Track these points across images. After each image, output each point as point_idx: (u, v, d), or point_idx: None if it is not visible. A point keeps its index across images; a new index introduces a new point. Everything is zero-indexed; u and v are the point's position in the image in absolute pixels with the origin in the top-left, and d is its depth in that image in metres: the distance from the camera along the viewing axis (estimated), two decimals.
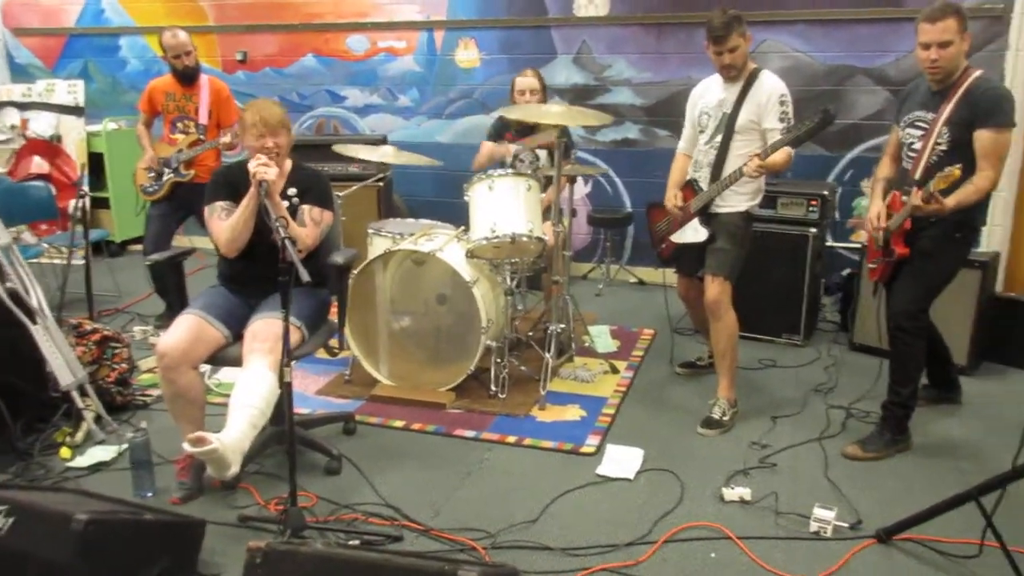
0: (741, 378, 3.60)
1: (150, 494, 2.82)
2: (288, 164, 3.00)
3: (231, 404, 2.58)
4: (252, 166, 2.69)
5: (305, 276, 2.31)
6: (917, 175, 2.93)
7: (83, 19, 6.51)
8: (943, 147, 2.89)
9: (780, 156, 3.08)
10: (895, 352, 3.09)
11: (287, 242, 2.35)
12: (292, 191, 2.94)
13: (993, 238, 4.55)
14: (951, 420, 3.43)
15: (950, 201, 2.75)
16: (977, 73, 2.86)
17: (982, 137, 2.81)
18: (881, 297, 3.32)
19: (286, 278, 2.35)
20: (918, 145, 2.97)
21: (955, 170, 2.66)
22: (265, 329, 2.69)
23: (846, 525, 2.62)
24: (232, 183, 2.92)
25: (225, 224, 2.85)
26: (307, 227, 2.89)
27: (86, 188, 4.41)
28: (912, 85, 3.14)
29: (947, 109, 2.87)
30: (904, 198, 2.95)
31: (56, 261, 5.10)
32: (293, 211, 2.90)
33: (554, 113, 3.56)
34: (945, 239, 2.96)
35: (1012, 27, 4.44)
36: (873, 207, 3.09)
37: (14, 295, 3.12)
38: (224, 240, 2.86)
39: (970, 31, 2.86)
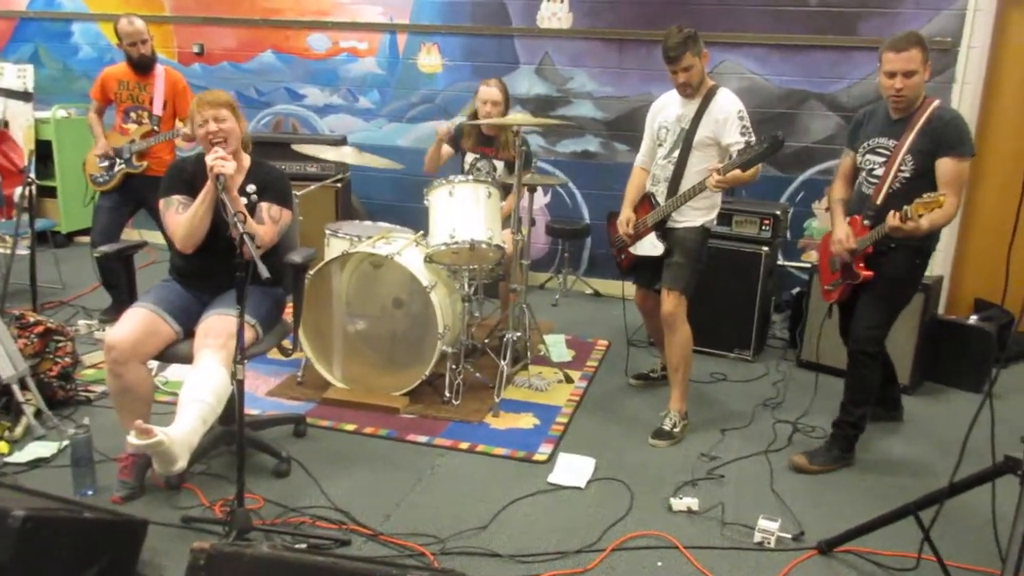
0: (692, 391, 3.65)
1: (91, 492, 2.74)
2: (247, 160, 2.96)
3: (181, 399, 2.52)
4: (210, 159, 2.63)
5: (265, 272, 2.27)
6: (879, 200, 2.98)
7: (35, 3, 6.34)
8: (906, 174, 2.94)
9: (742, 172, 3.09)
10: (854, 374, 3.13)
11: (246, 237, 2.32)
12: (251, 188, 2.89)
13: (936, 263, 4.70)
14: (894, 437, 3.52)
15: (924, 223, 2.76)
16: (936, 103, 2.93)
17: (945, 165, 2.86)
18: (832, 317, 3.38)
19: (242, 274, 2.32)
20: (880, 171, 3.02)
21: (940, 197, 2.68)
22: (218, 325, 2.64)
23: (789, 536, 2.66)
24: (188, 177, 2.87)
25: (182, 219, 2.79)
26: (265, 225, 2.85)
27: (33, 175, 4.29)
28: (868, 110, 3.18)
29: (909, 137, 2.92)
30: (866, 222, 3.01)
31: None
32: (251, 208, 2.85)
33: (514, 117, 3.57)
34: (908, 265, 3.03)
35: (959, 60, 4.61)
36: (839, 228, 3.10)
37: None
38: (180, 235, 2.80)
39: (930, 61, 2.92)
